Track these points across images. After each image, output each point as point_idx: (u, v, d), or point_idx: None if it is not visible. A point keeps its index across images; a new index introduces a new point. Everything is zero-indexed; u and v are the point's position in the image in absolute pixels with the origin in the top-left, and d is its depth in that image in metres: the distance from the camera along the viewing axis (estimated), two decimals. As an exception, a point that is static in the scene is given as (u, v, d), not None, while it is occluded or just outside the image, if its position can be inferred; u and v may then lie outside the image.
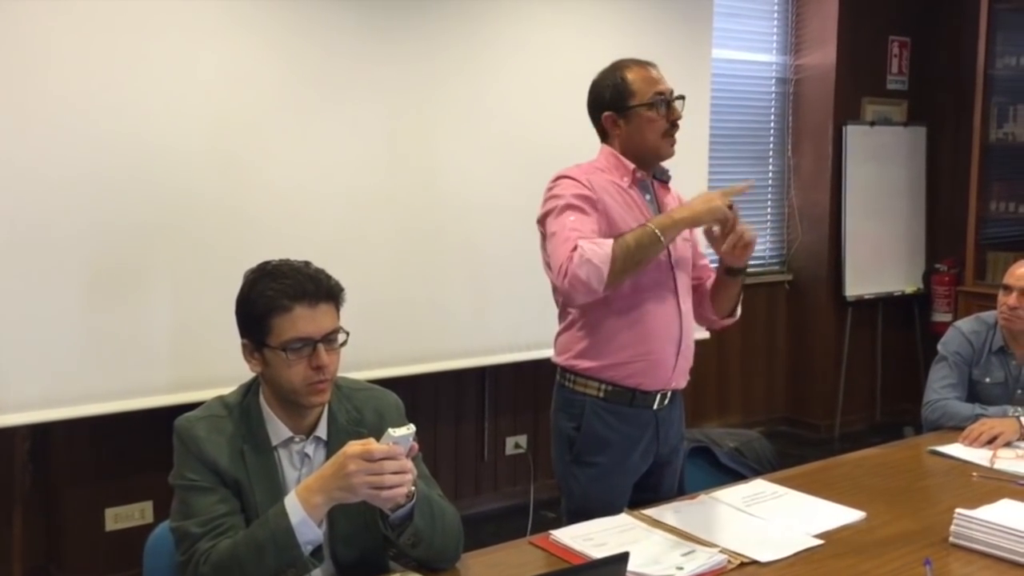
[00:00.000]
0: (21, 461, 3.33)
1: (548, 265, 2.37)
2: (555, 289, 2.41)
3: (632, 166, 2.35)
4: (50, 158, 3.05)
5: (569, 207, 2.25)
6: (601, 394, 2.35)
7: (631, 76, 2.33)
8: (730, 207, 2.21)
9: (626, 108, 2.33)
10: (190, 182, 3.30)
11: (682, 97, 2.36)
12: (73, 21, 3.06)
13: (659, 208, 2.40)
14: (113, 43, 3.13)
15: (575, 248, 2.16)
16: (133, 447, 3.46)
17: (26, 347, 3.04)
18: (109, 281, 3.18)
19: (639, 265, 2.21)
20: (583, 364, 2.36)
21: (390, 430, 1.62)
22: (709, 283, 2.51)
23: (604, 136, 2.42)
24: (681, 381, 2.43)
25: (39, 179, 3.04)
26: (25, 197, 3.02)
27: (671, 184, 2.49)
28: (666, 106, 2.33)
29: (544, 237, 2.33)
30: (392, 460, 1.60)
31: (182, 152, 3.28)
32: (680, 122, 2.37)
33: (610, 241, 2.18)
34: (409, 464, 1.64)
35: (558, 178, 2.34)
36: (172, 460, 1.77)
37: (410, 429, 1.64)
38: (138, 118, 3.19)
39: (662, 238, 2.18)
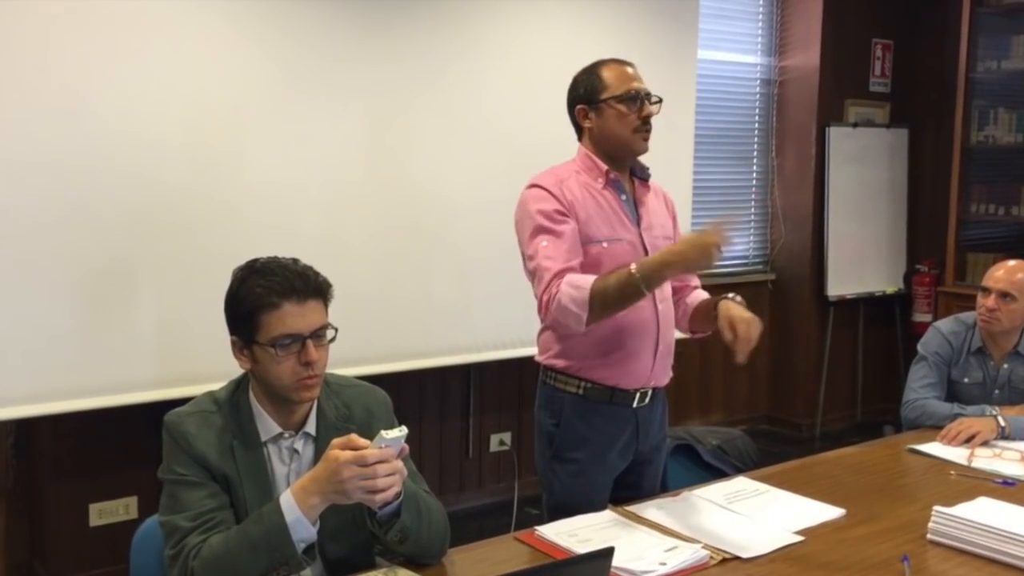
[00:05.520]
0: (5, 456, 3.33)
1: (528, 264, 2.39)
2: (534, 289, 2.43)
3: (605, 167, 2.36)
4: (34, 153, 3.04)
5: (539, 230, 2.27)
6: (580, 392, 2.37)
7: (605, 72, 2.36)
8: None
9: (597, 101, 2.35)
10: (175, 177, 3.30)
11: (659, 100, 2.38)
12: (57, 15, 3.05)
13: (636, 206, 2.41)
14: (98, 40, 3.13)
15: (555, 282, 2.19)
16: (117, 443, 3.46)
17: (10, 342, 3.03)
18: (94, 276, 3.17)
19: (619, 309, 2.21)
20: (562, 363, 2.38)
21: (383, 432, 1.63)
22: (691, 297, 2.52)
23: (579, 133, 2.43)
24: (662, 379, 2.45)
25: (23, 174, 3.03)
26: (8, 191, 3.01)
27: (654, 180, 2.49)
28: (638, 103, 2.34)
29: (521, 247, 2.36)
30: (384, 463, 1.62)
31: (168, 148, 3.28)
32: (659, 122, 2.38)
33: (590, 281, 2.16)
34: (400, 465, 1.66)
35: (530, 186, 2.35)
36: (157, 456, 1.78)
37: (402, 431, 1.65)
38: (124, 114, 3.19)
39: (644, 290, 2.14)
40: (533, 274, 2.29)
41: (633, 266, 2.14)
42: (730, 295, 2.29)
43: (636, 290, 2.13)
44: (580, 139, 2.44)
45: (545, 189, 2.32)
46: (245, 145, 3.44)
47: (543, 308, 2.25)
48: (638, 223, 2.39)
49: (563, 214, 2.28)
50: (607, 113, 2.35)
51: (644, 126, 2.35)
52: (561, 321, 2.22)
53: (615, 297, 2.15)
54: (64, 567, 3.45)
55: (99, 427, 3.39)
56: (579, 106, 2.39)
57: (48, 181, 3.07)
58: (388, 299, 3.79)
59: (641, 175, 2.46)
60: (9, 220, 3.02)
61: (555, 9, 4.19)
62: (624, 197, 2.39)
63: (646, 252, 2.36)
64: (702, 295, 2.54)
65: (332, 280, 1.83)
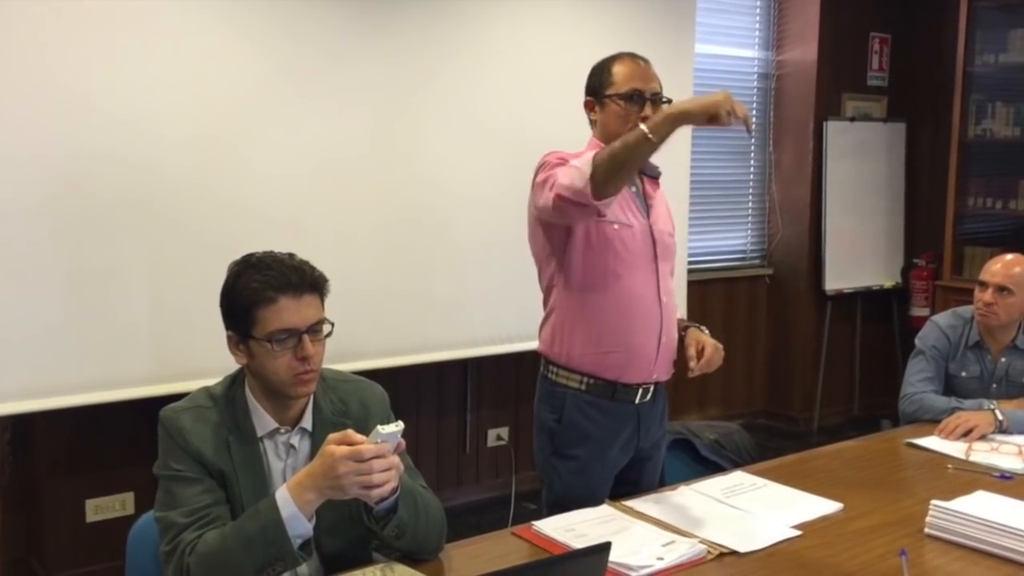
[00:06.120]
0: (1, 452, 3.32)
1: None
2: (541, 275, 2.42)
3: None
4: (29, 148, 3.03)
5: (555, 165, 2.26)
6: (583, 387, 2.37)
7: (616, 67, 2.36)
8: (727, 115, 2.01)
9: (602, 96, 2.36)
10: (173, 172, 3.29)
11: (667, 100, 2.34)
12: (55, 8, 3.04)
13: (645, 200, 2.41)
14: (97, 33, 3.11)
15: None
16: (114, 438, 3.46)
17: (5, 337, 3.02)
18: (90, 271, 3.17)
19: (625, 166, 2.11)
20: (565, 356, 2.37)
21: (379, 427, 1.63)
22: None
23: (592, 124, 2.44)
24: (663, 373, 2.45)
25: (16, 168, 3.02)
26: (2, 186, 2.99)
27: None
28: (640, 104, 2.32)
29: (534, 201, 2.34)
30: (380, 458, 1.61)
31: (165, 143, 3.27)
32: None
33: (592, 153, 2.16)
34: (396, 460, 1.65)
35: (546, 155, 2.35)
36: (153, 451, 1.77)
37: (399, 426, 1.65)
38: (122, 108, 3.18)
39: (650, 135, 2.06)
40: (543, 184, 2.23)
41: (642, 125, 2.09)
42: (701, 326, 2.41)
43: (639, 136, 2.07)
44: (592, 129, 2.45)
45: (560, 153, 2.32)
46: (243, 140, 3.43)
47: (548, 188, 2.18)
48: (647, 214, 2.39)
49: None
50: (609, 109, 2.35)
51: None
52: (565, 182, 2.13)
53: (620, 146, 2.08)
54: (61, 563, 3.44)
55: (96, 423, 3.38)
56: (587, 98, 2.41)
57: (44, 175, 3.06)
58: (385, 294, 3.78)
59: (651, 173, 2.45)
60: (3, 214, 3.00)
61: (554, 4, 4.17)
62: (634, 188, 2.40)
63: (655, 242, 2.37)
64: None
65: (329, 275, 1.83)
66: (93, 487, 3.49)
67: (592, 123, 2.43)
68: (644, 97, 2.32)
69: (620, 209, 2.33)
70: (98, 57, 3.12)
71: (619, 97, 2.33)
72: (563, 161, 2.26)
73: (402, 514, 1.72)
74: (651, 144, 2.09)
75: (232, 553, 1.62)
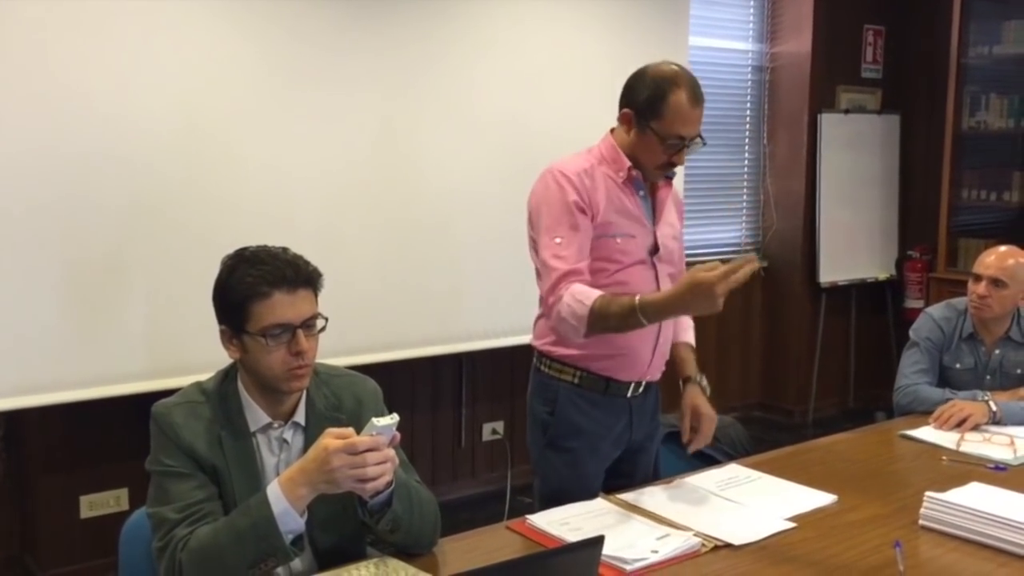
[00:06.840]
0: (-6, 448, 3.32)
1: (537, 254, 2.37)
2: (539, 275, 2.42)
3: (628, 164, 2.31)
4: (24, 144, 3.02)
5: (556, 223, 2.23)
6: (576, 380, 2.36)
7: (673, 100, 2.21)
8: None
9: (645, 122, 2.25)
10: (168, 169, 3.28)
11: (704, 143, 2.30)
12: (53, 8, 3.02)
13: (652, 204, 2.39)
14: (93, 30, 3.10)
15: (562, 285, 2.18)
16: (108, 434, 3.45)
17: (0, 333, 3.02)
18: (84, 266, 3.16)
19: (618, 332, 2.19)
20: (560, 350, 2.37)
21: (374, 420, 1.62)
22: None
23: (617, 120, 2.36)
24: (656, 374, 2.45)
25: (12, 165, 3.01)
26: (-3, 182, 2.99)
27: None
28: (677, 149, 2.27)
29: (531, 228, 2.34)
30: (375, 451, 1.61)
31: (159, 138, 3.26)
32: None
33: (592, 298, 2.13)
34: (391, 453, 1.65)
35: (554, 172, 2.29)
36: (147, 447, 1.76)
37: (394, 419, 1.64)
38: (119, 105, 3.17)
39: (644, 321, 2.09)
40: (542, 265, 2.27)
41: (637, 298, 2.09)
42: (699, 377, 2.42)
43: (637, 322, 2.10)
44: (614, 129, 2.36)
45: (568, 179, 2.26)
46: (239, 136, 3.43)
47: (547, 308, 2.25)
48: (653, 220, 2.38)
49: (582, 209, 2.24)
50: (644, 137, 2.27)
51: (669, 167, 2.32)
52: (559, 329, 2.23)
53: (615, 323, 2.13)
54: (54, 559, 3.44)
55: (90, 419, 3.38)
56: (627, 109, 2.29)
57: (38, 172, 3.05)
58: (379, 289, 3.78)
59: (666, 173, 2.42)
60: (-4, 211, 3.00)
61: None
62: (642, 193, 2.36)
63: (657, 249, 2.36)
64: (683, 335, 2.54)
65: (325, 270, 1.82)
66: (87, 483, 3.49)
67: (621, 126, 2.32)
68: (682, 145, 2.26)
69: (626, 220, 2.31)
70: (94, 56, 3.11)
71: (660, 137, 2.24)
72: (563, 222, 2.22)
73: (397, 508, 1.72)
74: (643, 326, 2.13)
75: (224, 549, 1.61)
